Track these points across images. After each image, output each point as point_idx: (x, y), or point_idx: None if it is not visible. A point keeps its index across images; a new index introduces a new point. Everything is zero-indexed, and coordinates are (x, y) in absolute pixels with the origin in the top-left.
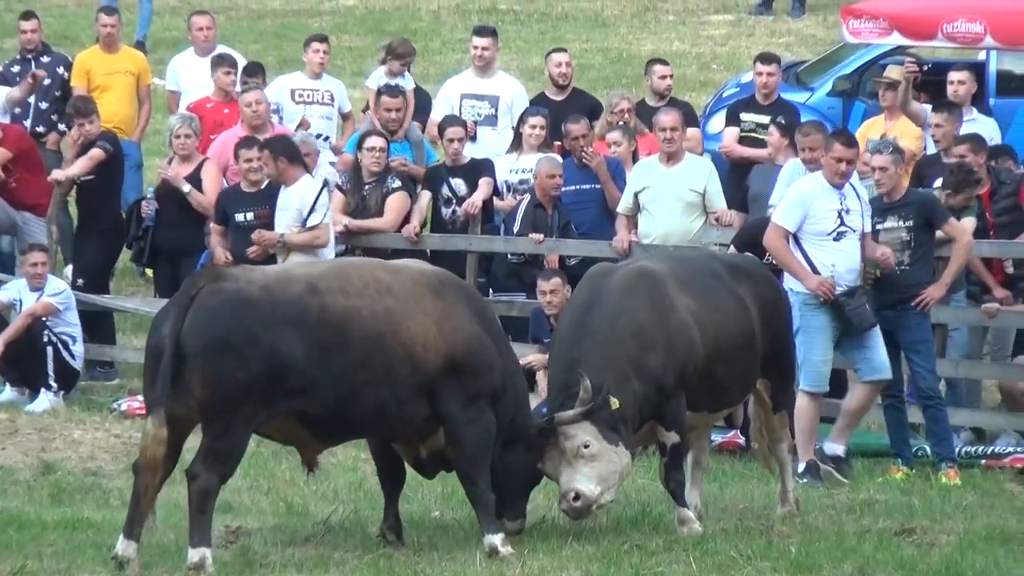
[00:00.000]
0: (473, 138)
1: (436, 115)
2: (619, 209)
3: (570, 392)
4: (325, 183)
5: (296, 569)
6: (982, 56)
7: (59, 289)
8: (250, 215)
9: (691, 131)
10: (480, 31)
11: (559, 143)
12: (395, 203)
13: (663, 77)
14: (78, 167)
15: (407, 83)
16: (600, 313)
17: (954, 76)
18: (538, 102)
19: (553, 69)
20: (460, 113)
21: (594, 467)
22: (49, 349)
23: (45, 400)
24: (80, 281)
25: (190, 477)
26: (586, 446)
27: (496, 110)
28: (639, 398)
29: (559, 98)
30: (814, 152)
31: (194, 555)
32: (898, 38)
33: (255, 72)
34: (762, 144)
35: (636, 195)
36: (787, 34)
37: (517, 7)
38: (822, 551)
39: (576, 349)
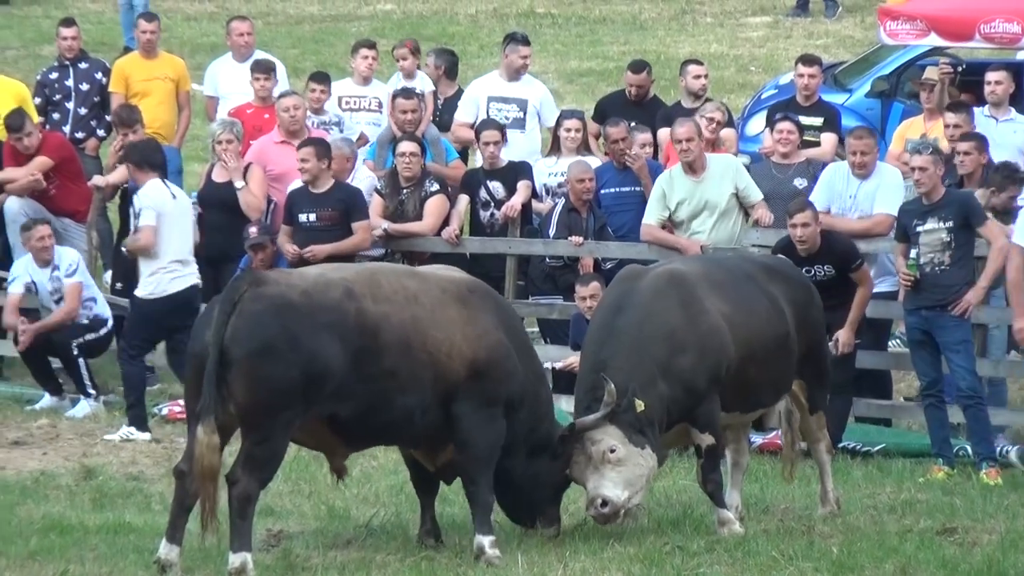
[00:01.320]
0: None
1: (461, 116)
2: (649, 220)
3: (596, 395)
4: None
5: (338, 572)
6: (1020, 56)
7: (72, 262)
8: (313, 216)
9: (727, 132)
10: (524, 40)
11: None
12: (434, 206)
13: (697, 77)
14: (119, 175)
15: (424, 84)
16: (628, 316)
17: (991, 76)
18: (612, 103)
19: (691, 82)
20: (488, 115)
21: (620, 472)
22: (80, 361)
23: (86, 406)
24: (119, 285)
25: (231, 482)
26: (612, 450)
27: (524, 113)
28: (666, 400)
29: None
30: (866, 156)
31: (235, 560)
32: (935, 39)
33: (322, 80)
34: (804, 145)
35: (669, 209)
36: (824, 35)
37: (555, 10)
38: (864, 551)
39: (603, 351)
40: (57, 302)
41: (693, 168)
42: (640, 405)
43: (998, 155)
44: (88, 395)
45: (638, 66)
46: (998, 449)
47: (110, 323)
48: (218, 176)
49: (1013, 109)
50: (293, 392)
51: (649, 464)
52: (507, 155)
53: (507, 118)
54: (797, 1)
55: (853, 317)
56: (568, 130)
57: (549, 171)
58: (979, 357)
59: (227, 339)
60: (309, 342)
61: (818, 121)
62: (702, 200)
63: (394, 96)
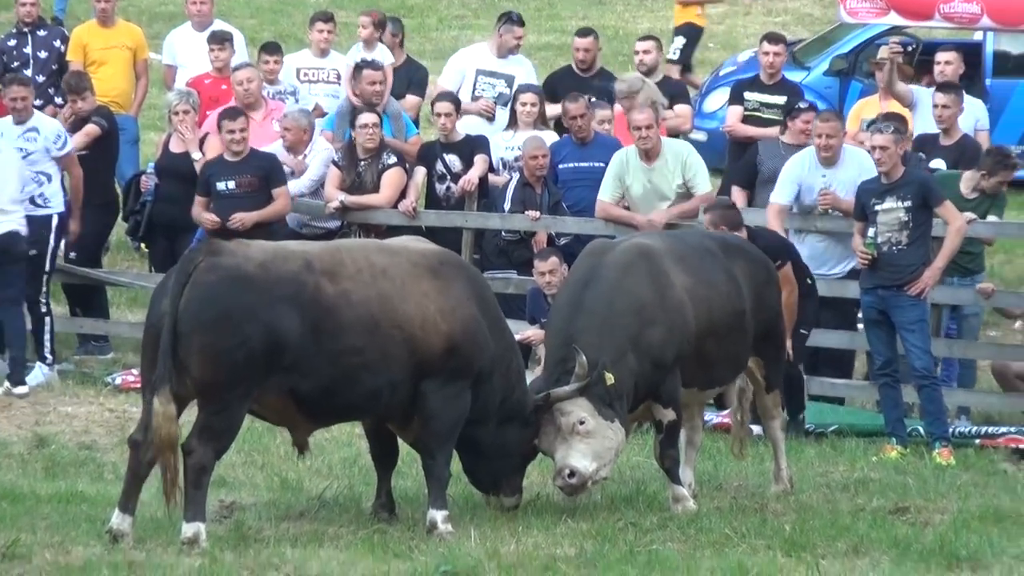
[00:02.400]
0: (492, 118)
1: (443, 83)
2: (603, 196)
3: (566, 368)
4: None
5: (291, 544)
6: (979, 36)
7: (60, 134)
8: (232, 184)
9: (681, 108)
10: (520, 21)
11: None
12: (391, 179)
13: (647, 52)
14: (73, 142)
15: (384, 57)
16: (597, 290)
17: (941, 57)
18: (565, 78)
19: (574, 52)
20: (474, 88)
21: (589, 444)
22: (48, 319)
23: (40, 374)
24: (73, 255)
25: (186, 452)
26: (581, 422)
27: (511, 89)
28: (635, 374)
29: (582, 75)
30: (832, 140)
31: (188, 529)
32: (895, 18)
33: (274, 51)
34: (766, 123)
35: (623, 187)
36: (784, 13)
37: None
38: (816, 529)
39: (573, 325)
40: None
41: (648, 155)
42: (610, 379)
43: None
44: (44, 359)
45: (585, 31)
46: (961, 429)
47: (54, 223)
48: (175, 146)
49: (963, 91)
50: (248, 363)
51: (618, 438)
52: (493, 131)
53: (497, 94)
54: None
55: (943, 253)
56: (524, 104)
57: (506, 145)
58: (934, 337)
59: (181, 309)
60: (264, 313)
61: (781, 100)
62: (652, 187)
63: (359, 67)
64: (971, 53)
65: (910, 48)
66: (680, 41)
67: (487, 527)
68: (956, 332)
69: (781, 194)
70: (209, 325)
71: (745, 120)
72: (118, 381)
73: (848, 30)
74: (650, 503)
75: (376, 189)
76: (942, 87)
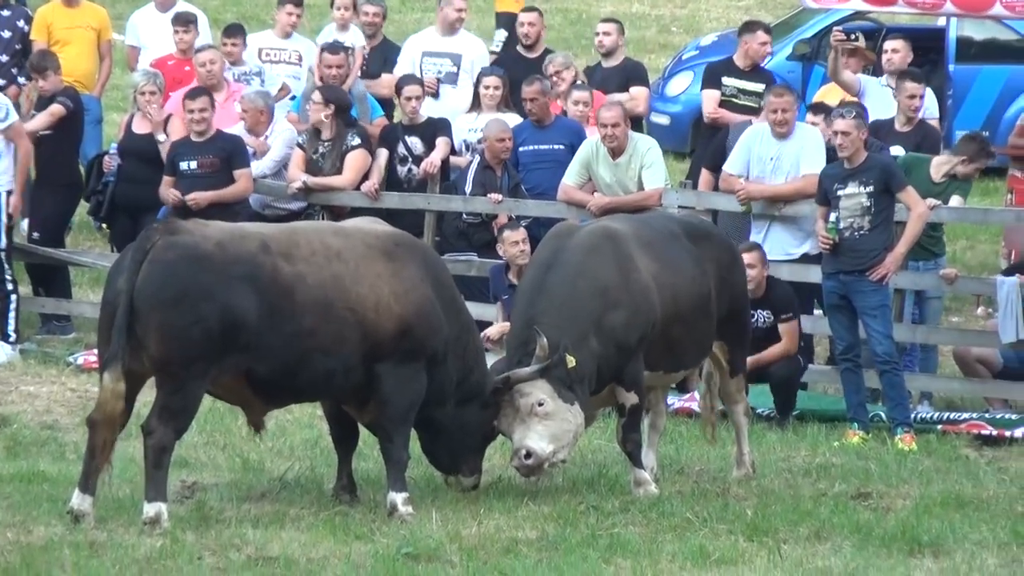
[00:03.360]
0: (436, 95)
1: (399, 71)
2: (568, 181)
3: (527, 350)
4: None
5: (252, 525)
6: (942, 22)
7: (3, 104)
8: (194, 164)
9: (637, 90)
10: None
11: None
12: (354, 161)
13: (607, 34)
14: (37, 122)
15: (355, 39)
16: (561, 272)
17: (889, 45)
18: (508, 60)
19: (520, 28)
20: (421, 71)
21: (547, 425)
22: (13, 297)
23: (2, 352)
24: (36, 235)
25: (145, 433)
26: (540, 404)
27: (458, 68)
28: (597, 357)
29: (531, 56)
30: (787, 114)
31: (150, 510)
32: (858, 3)
33: (235, 33)
34: (741, 109)
35: (589, 174)
36: None
37: None
38: (778, 514)
39: (535, 307)
40: None
41: (614, 152)
42: (571, 361)
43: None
44: (7, 338)
45: (530, 8)
46: (923, 415)
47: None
48: (138, 127)
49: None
50: (205, 342)
51: (577, 421)
52: (439, 110)
53: (440, 72)
54: None
55: (905, 238)
56: (487, 87)
57: (469, 127)
58: (896, 322)
59: (137, 288)
60: (221, 292)
61: (759, 87)
62: (616, 182)
63: (321, 49)
64: (934, 39)
65: (854, 36)
66: (502, 34)
67: (448, 509)
68: (919, 318)
69: (733, 163)
70: (166, 303)
71: (722, 105)
72: (80, 361)
73: (811, 15)
74: (612, 486)
75: (338, 171)
76: (908, 75)
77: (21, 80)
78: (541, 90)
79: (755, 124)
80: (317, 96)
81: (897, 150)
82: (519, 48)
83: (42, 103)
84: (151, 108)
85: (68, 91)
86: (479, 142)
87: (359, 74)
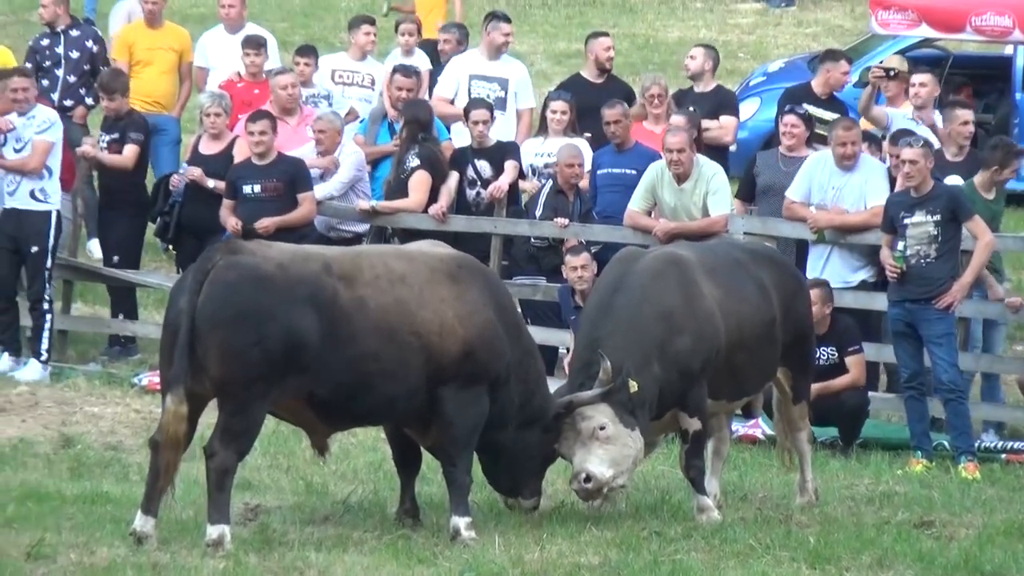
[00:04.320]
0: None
1: (440, 91)
2: (634, 206)
3: (590, 372)
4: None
5: (315, 548)
6: (1009, 50)
7: (48, 120)
8: (257, 187)
9: (726, 119)
10: (505, 18)
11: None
12: (416, 183)
13: (693, 58)
14: (112, 160)
15: (422, 63)
16: (626, 296)
17: (916, 79)
18: (575, 85)
19: (601, 53)
20: (469, 94)
21: (608, 450)
22: (48, 316)
23: (35, 370)
24: (116, 258)
25: (208, 455)
26: (602, 428)
27: (506, 92)
28: (660, 382)
29: (598, 82)
30: (854, 147)
31: (213, 532)
32: (926, 30)
33: (308, 53)
34: (816, 137)
35: (655, 199)
36: (814, 24)
37: None
38: (841, 542)
39: (599, 329)
40: (18, 152)
41: (679, 178)
42: (634, 386)
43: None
44: (39, 356)
45: (602, 33)
46: (986, 444)
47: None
48: (205, 148)
49: (937, 111)
50: (266, 363)
51: (637, 446)
52: (494, 135)
53: (488, 97)
54: None
55: (971, 268)
56: (555, 112)
57: (536, 152)
58: (961, 351)
59: (199, 308)
60: (282, 313)
61: (834, 116)
62: (681, 208)
63: (393, 72)
64: (1001, 67)
65: (892, 72)
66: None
67: (511, 534)
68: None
69: (795, 190)
70: (227, 323)
71: None
72: (144, 382)
73: (879, 41)
74: (675, 512)
75: (401, 191)
76: (957, 103)
77: (89, 100)
78: (623, 113)
79: (818, 153)
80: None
81: (954, 179)
82: (583, 73)
83: (107, 124)
84: (213, 128)
85: (137, 121)
86: (545, 166)
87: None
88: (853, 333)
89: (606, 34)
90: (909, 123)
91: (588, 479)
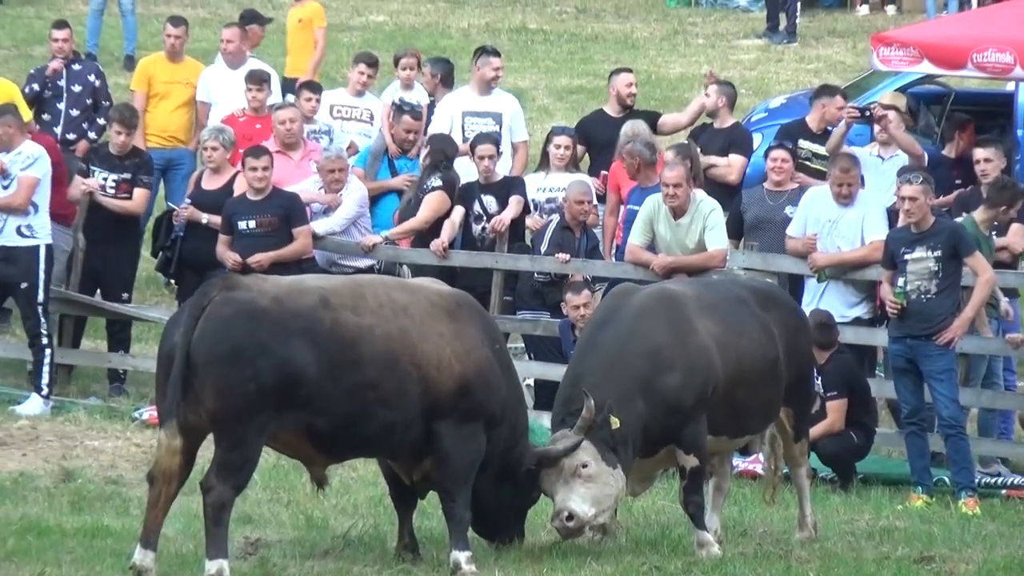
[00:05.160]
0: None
1: (435, 128)
2: (634, 240)
3: (570, 409)
4: None
5: None
6: (1010, 87)
7: (33, 155)
8: (252, 223)
9: (735, 158)
10: (494, 52)
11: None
12: (431, 201)
13: (707, 95)
14: (123, 207)
15: (421, 97)
16: (612, 332)
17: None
18: (597, 120)
19: (623, 89)
20: (463, 130)
21: (589, 488)
22: (48, 351)
23: (36, 405)
24: (125, 295)
25: (204, 489)
26: (584, 466)
27: (500, 127)
28: (643, 419)
29: (619, 117)
30: (852, 188)
31: (211, 567)
32: (928, 67)
33: (316, 89)
34: (814, 173)
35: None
36: (816, 60)
37: (547, 27)
38: None
39: (582, 364)
40: (5, 188)
41: (675, 212)
42: (615, 422)
43: (886, 194)
44: (40, 390)
45: (625, 69)
46: (998, 479)
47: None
48: (207, 183)
49: (900, 150)
50: (261, 397)
51: (618, 484)
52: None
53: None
54: (768, 24)
55: (972, 304)
56: (558, 146)
57: (538, 187)
58: (962, 386)
59: (195, 342)
60: (278, 348)
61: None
62: (675, 242)
63: (400, 110)
64: (1002, 104)
65: (867, 113)
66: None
67: (511, 569)
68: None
69: (795, 227)
70: (221, 358)
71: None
72: (145, 416)
73: (880, 77)
74: (675, 547)
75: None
76: (982, 141)
77: (91, 135)
78: (683, 176)
79: (815, 188)
80: (291, 114)
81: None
82: (606, 109)
83: (112, 162)
84: (211, 163)
85: (147, 161)
86: (547, 202)
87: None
88: (841, 378)
89: (629, 70)
90: (874, 160)
91: (570, 517)
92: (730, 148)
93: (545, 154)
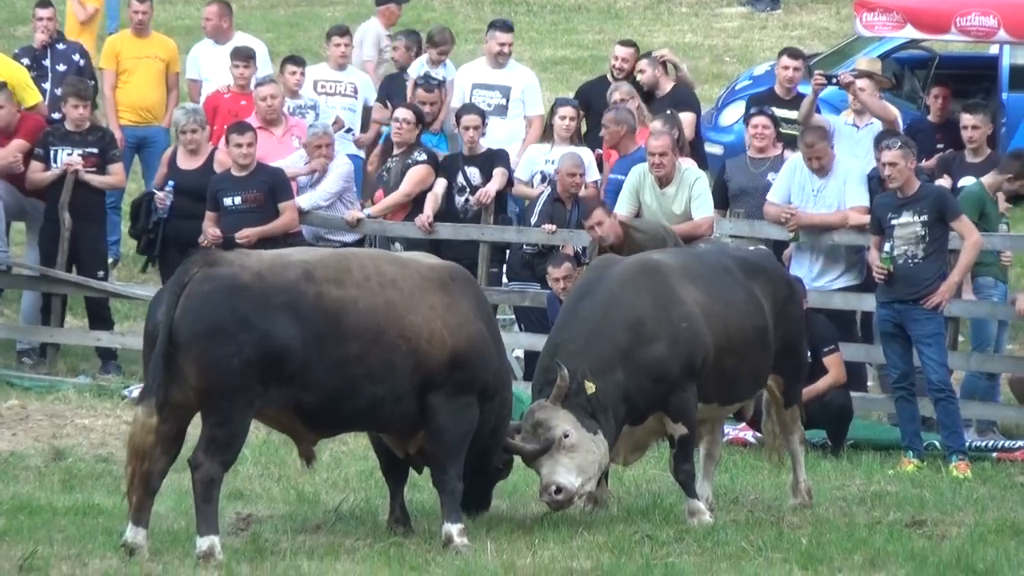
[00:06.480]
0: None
1: (454, 102)
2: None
3: (548, 378)
4: None
5: (307, 557)
6: (995, 50)
7: None
8: (238, 199)
9: (685, 115)
10: (503, 27)
11: None
12: (415, 175)
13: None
14: (100, 180)
15: (448, 73)
16: (592, 301)
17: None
18: (599, 87)
19: (612, 62)
20: (471, 101)
21: (573, 457)
22: None
23: None
24: (101, 273)
25: (193, 466)
26: (566, 435)
27: (507, 99)
28: (623, 388)
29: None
30: (822, 160)
31: (203, 543)
32: (911, 31)
33: (298, 63)
34: (784, 139)
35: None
36: (800, 27)
37: None
38: (833, 542)
39: (562, 334)
40: None
41: (661, 181)
42: (590, 387)
43: (863, 162)
44: None
45: (628, 42)
46: (987, 443)
47: None
48: (182, 163)
49: (875, 118)
50: (246, 373)
51: (600, 450)
52: (486, 141)
53: (489, 105)
54: None
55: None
56: (563, 118)
57: (546, 158)
58: (950, 350)
59: (177, 319)
60: (260, 323)
61: (789, 115)
62: (661, 212)
63: (415, 85)
64: (987, 67)
65: (835, 80)
66: None
67: (503, 540)
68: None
69: (775, 193)
70: (203, 335)
71: None
72: (135, 394)
73: (864, 43)
74: (666, 516)
75: (399, 185)
76: (970, 107)
77: None
78: (615, 119)
79: (796, 155)
80: (407, 114)
81: (967, 180)
82: (608, 77)
83: (72, 137)
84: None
85: (111, 135)
86: (555, 173)
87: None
88: (828, 333)
89: (630, 44)
90: (849, 129)
91: (559, 490)
92: (677, 109)
93: (549, 126)
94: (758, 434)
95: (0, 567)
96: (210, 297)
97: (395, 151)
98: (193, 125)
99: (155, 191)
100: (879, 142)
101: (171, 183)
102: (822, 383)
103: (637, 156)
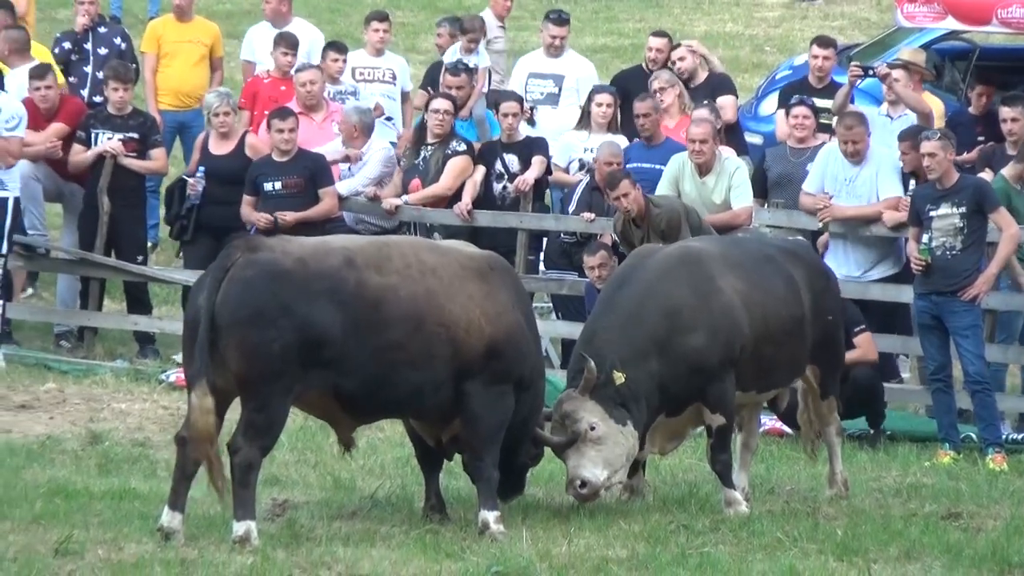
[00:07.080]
0: (531, 122)
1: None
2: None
3: (579, 367)
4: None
5: (342, 543)
6: None
7: (15, 115)
8: (278, 184)
9: (724, 99)
10: (557, 19)
11: None
12: (455, 167)
13: (682, 59)
14: (140, 165)
15: (480, 60)
16: (630, 290)
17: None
18: (634, 77)
19: (646, 52)
20: (526, 91)
21: (600, 450)
22: (0, 303)
23: None
24: (140, 258)
25: (232, 451)
26: (592, 428)
27: (560, 89)
28: (658, 378)
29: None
30: (858, 145)
31: (239, 528)
32: (952, 23)
33: (341, 50)
34: (821, 127)
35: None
36: (840, 17)
37: None
38: (868, 534)
39: (597, 322)
40: None
41: (700, 169)
42: (619, 377)
43: (893, 152)
44: None
45: (660, 33)
46: (1009, 435)
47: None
48: (215, 148)
49: (909, 110)
50: (285, 358)
51: (629, 441)
52: (538, 130)
53: (541, 94)
54: None
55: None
56: (600, 104)
57: (585, 146)
58: (988, 342)
59: (218, 304)
60: (301, 308)
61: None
62: (700, 200)
63: (444, 71)
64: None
65: (871, 71)
66: None
67: (539, 528)
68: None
69: (810, 183)
70: (245, 321)
71: None
72: (172, 378)
73: (905, 34)
74: (702, 506)
75: (438, 175)
76: (1009, 100)
77: None
78: (653, 107)
79: (829, 144)
80: (446, 105)
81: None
82: (644, 71)
83: (114, 121)
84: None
85: (151, 120)
86: (594, 161)
87: (482, 93)
88: (854, 315)
89: (663, 35)
90: (883, 119)
91: (583, 484)
92: (715, 94)
93: (586, 113)
94: (788, 429)
95: (36, 551)
96: (252, 283)
97: (429, 139)
98: (225, 107)
99: (186, 177)
100: (903, 137)
101: (201, 169)
102: (850, 355)
103: (667, 146)
